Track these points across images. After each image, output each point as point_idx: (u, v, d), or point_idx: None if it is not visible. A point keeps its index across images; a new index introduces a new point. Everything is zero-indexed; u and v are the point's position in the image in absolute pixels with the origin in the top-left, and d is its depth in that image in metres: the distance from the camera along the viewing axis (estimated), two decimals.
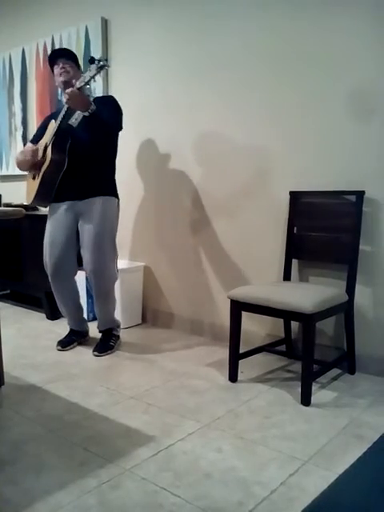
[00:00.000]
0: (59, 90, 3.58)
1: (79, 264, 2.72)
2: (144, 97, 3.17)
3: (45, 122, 2.80)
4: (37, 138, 2.73)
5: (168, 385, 2.25)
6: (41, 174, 2.53)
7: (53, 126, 2.56)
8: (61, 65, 2.60)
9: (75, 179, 2.55)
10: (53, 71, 2.67)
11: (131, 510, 1.36)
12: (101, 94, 3.33)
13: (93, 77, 2.23)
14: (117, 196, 2.67)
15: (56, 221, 2.61)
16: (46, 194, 2.57)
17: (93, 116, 2.36)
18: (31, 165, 2.58)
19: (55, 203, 2.62)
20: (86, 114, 2.34)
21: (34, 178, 2.63)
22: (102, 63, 2.20)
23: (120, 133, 2.63)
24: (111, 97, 2.66)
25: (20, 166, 2.66)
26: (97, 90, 3.38)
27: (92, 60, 2.23)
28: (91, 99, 2.45)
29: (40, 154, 2.58)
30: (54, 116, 2.71)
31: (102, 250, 2.54)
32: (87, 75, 2.24)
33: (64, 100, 2.35)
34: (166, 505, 1.38)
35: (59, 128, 2.50)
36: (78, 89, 2.28)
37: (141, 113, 3.18)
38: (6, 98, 4.20)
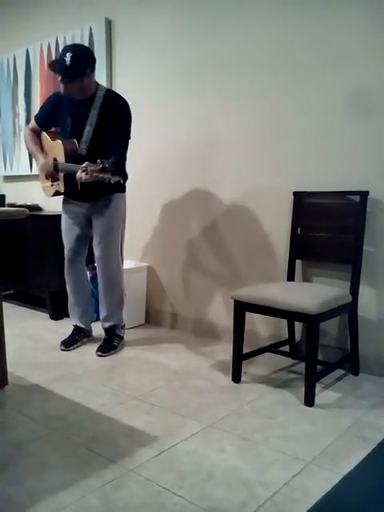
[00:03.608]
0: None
1: (88, 262, 2.86)
2: (148, 97, 3.17)
3: (53, 101, 2.65)
4: (43, 120, 2.67)
5: (171, 385, 2.25)
6: (56, 188, 2.62)
7: (60, 146, 2.51)
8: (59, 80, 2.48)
9: (88, 184, 2.49)
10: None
11: (134, 510, 1.36)
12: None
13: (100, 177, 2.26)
14: (125, 190, 2.72)
15: (69, 213, 2.73)
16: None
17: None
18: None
19: (68, 198, 2.73)
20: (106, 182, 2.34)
21: (47, 178, 2.61)
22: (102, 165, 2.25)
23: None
24: (123, 112, 2.57)
25: (27, 147, 2.77)
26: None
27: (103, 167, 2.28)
28: (102, 94, 2.52)
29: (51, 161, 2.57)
30: (63, 100, 2.59)
31: (109, 238, 2.65)
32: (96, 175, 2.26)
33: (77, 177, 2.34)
34: (168, 505, 1.38)
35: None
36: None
37: (144, 113, 3.18)
38: (10, 98, 4.21)
